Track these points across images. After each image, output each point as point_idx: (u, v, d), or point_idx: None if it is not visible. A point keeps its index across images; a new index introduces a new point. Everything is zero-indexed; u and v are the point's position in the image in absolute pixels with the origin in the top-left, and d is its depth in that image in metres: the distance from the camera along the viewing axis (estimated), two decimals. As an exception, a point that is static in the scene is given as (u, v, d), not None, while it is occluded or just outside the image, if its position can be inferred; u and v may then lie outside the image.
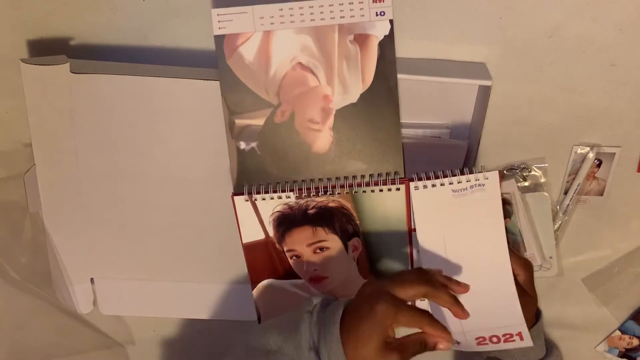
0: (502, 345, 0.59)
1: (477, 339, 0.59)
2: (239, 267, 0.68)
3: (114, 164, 0.67)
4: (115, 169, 0.67)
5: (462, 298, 0.56)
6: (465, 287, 0.57)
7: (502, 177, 0.68)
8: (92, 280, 0.73)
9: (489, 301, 0.57)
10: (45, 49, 0.67)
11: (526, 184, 0.69)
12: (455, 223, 0.60)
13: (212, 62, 0.62)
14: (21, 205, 0.68)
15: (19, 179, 0.67)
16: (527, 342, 0.58)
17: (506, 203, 0.68)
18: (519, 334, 0.58)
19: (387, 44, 0.60)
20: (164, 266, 0.71)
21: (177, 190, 0.67)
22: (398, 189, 0.60)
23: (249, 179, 0.63)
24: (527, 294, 0.61)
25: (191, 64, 0.66)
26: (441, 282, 0.56)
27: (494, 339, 0.58)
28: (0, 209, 0.70)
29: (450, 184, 0.59)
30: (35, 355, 0.76)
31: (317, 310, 0.54)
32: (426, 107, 0.66)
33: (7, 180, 0.70)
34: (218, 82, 0.62)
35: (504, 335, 0.58)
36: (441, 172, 0.59)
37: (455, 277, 0.58)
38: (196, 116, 0.64)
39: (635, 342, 0.74)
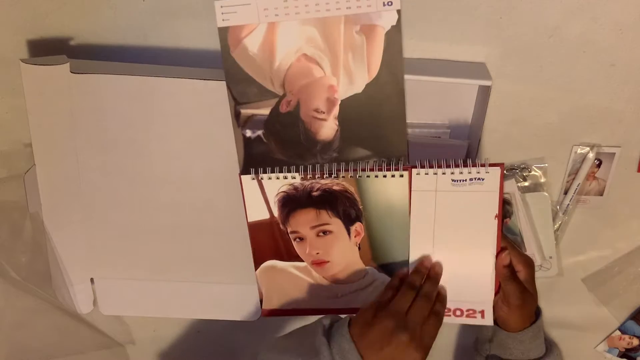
0: (463, 320, 0.63)
1: None
2: (239, 267, 0.68)
3: (114, 164, 0.66)
4: (115, 169, 0.67)
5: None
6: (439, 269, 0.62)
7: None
8: (92, 280, 0.73)
9: (464, 276, 0.61)
10: (45, 49, 0.67)
11: (526, 184, 0.69)
12: (449, 209, 0.61)
13: (212, 62, 0.62)
14: (21, 205, 0.69)
15: (19, 179, 0.68)
16: (488, 321, 0.62)
17: (506, 203, 0.68)
18: (482, 312, 0.62)
19: (394, 34, 0.59)
20: (164, 266, 0.71)
21: (177, 190, 0.67)
22: (402, 175, 0.61)
23: (255, 166, 0.63)
24: (527, 291, 0.61)
25: (191, 64, 0.66)
26: (432, 291, 0.60)
27: (457, 312, 0.62)
28: (0, 209, 0.70)
29: (451, 173, 0.60)
30: (35, 355, 0.76)
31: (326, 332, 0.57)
32: (426, 107, 0.66)
33: (7, 180, 0.70)
34: (219, 82, 0.61)
35: (467, 310, 0.62)
36: (444, 162, 0.60)
37: (439, 247, 0.62)
38: (196, 116, 0.64)
39: (635, 342, 0.74)
